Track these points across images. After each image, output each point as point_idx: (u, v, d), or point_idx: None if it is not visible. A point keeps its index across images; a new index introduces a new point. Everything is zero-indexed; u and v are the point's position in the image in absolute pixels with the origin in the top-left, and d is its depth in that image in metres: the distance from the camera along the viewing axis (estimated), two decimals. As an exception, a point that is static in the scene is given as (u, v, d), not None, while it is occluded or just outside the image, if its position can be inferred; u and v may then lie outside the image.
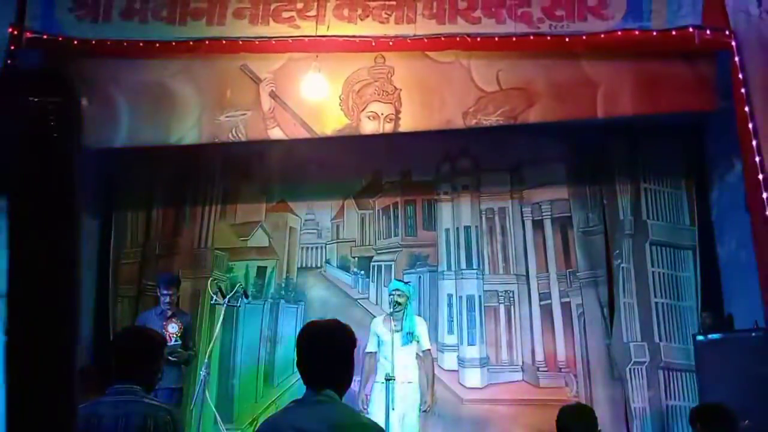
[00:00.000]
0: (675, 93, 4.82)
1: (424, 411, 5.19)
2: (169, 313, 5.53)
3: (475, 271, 6.30)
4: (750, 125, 4.23)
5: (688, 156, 6.04)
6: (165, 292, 5.58)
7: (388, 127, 5.18)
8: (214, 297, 5.61)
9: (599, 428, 3.42)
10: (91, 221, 6.46)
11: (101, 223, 6.57)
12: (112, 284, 6.43)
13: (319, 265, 6.59)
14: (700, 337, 5.06)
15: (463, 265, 6.35)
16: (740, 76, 4.33)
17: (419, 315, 5.58)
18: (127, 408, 2.64)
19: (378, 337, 5.29)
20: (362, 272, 6.50)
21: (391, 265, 6.48)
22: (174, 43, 5.06)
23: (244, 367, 6.37)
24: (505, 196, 6.40)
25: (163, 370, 2.88)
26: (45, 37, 5.11)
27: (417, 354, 5.29)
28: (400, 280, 5.65)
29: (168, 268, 6.38)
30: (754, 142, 4.19)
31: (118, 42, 5.09)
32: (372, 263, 6.52)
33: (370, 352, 5.33)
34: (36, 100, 1.02)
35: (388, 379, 4.93)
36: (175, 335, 5.39)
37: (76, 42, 5.09)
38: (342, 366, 2.38)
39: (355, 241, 6.59)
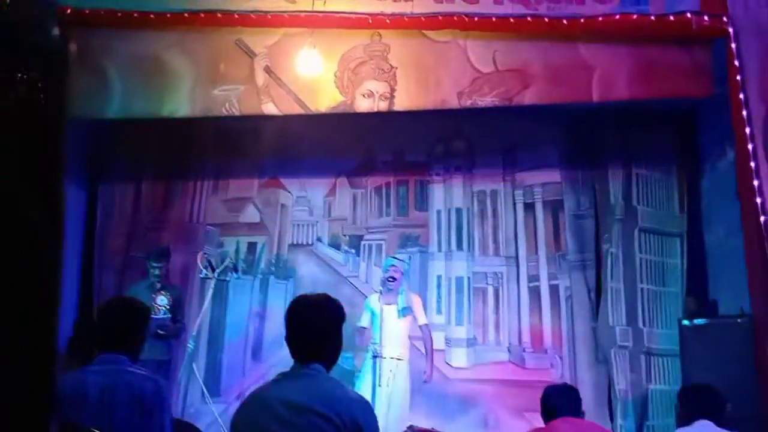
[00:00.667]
0: (670, 78, 4.82)
1: (424, 382, 5.27)
2: (159, 285, 5.50)
3: (465, 253, 6.33)
4: (744, 112, 4.23)
5: (680, 143, 6.07)
6: (155, 264, 5.56)
7: (383, 106, 5.15)
8: (204, 271, 5.61)
9: (582, 409, 3.46)
10: (78, 192, 6.43)
11: (88, 194, 6.53)
12: (97, 256, 6.41)
13: (310, 242, 6.59)
14: (685, 322, 5.11)
15: (454, 246, 6.37)
16: (736, 63, 4.33)
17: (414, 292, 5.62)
18: (113, 377, 2.65)
19: (372, 312, 5.32)
20: (353, 251, 6.51)
21: (381, 244, 6.49)
22: (169, 15, 4.99)
23: (233, 341, 6.38)
24: (498, 178, 6.41)
25: (147, 339, 2.89)
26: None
27: (418, 326, 5.35)
28: (394, 257, 5.69)
29: (157, 241, 6.36)
30: (747, 130, 4.20)
31: (112, 12, 5.01)
32: (363, 242, 6.53)
33: (363, 327, 5.37)
34: (24, 76, 1.01)
35: (375, 356, 4.98)
36: (164, 308, 5.37)
37: (69, 11, 5.02)
38: (330, 340, 2.39)
39: (346, 219, 6.59)
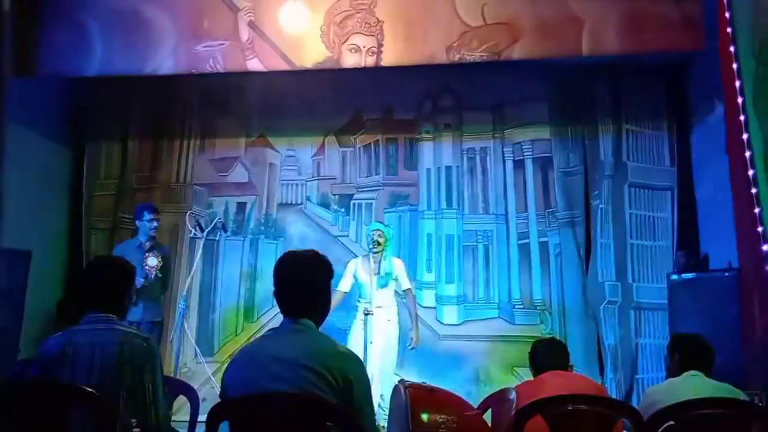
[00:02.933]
0: (661, 32, 4.75)
1: (411, 348, 5.26)
2: (148, 245, 5.41)
3: (454, 211, 6.32)
4: (734, 65, 4.18)
5: (670, 98, 6.03)
6: (150, 216, 5.37)
7: (370, 61, 5.07)
8: (193, 231, 5.57)
9: (571, 363, 3.50)
10: (63, 150, 6.35)
11: (74, 153, 6.46)
12: (85, 216, 6.37)
13: (299, 201, 6.56)
14: (674, 277, 5.15)
15: (444, 204, 6.36)
16: (727, 15, 4.27)
17: (398, 257, 5.60)
18: (103, 336, 2.64)
19: (355, 278, 5.30)
20: (342, 210, 6.49)
21: (371, 203, 6.47)
22: (149, -32, 4.87)
23: (224, 302, 6.40)
24: (487, 135, 6.37)
25: (133, 298, 2.88)
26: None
27: (397, 292, 5.34)
28: (380, 222, 5.66)
29: (146, 201, 6.30)
30: (737, 83, 4.16)
31: (91, -35, 4.90)
32: (352, 201, 6.50)
33: (341, 291, 5.26)
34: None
35: (367, 313, 5.00)
36: (155, 269, 5.28)
37: (46, -36, 4.90)
38: (319, 295, 2.39)
39: (335, 178, 6.55)
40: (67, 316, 4.74)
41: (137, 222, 5.50)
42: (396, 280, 5.32)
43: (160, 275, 5.34)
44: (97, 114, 6.49)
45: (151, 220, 5.38)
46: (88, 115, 6.47)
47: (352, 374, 2.19)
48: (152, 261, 5.28)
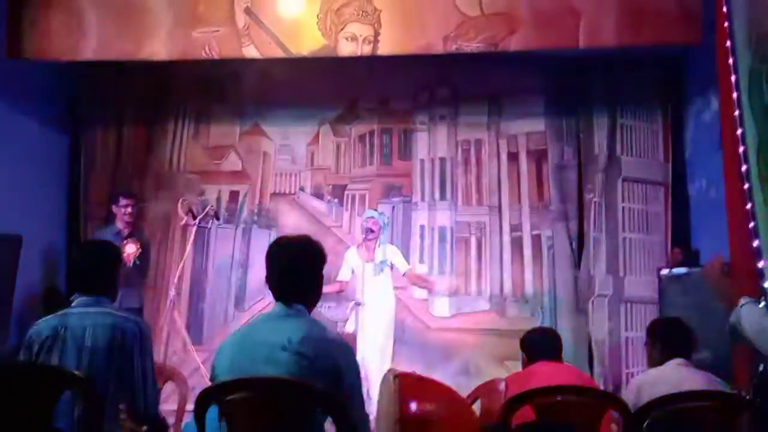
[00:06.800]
0: (659, 25, 4.75)
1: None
2: (126, 232, 5.38)
3: (448, 203, 6.32)
4: (731, 60, 4.17)
5: (666, 92, 6.03)
6: (124, 202, 5.38)
7: (367, 50, 5.04)
8: (185, 218, 5.55)
9: (561, 355, 3.50)
10: (60, 136, 6.30)
11: (70, 139, 6.41)
12: (83, 205, 6.33)
13: (292, 191, 6.53)
14: (664, 271, 5.17)
15: (437, 196, 6.35)
16: (724, 9, 4.25)
17: (392, 243, 5.63)
18: (95, 319, 2.65)
19: (352, 267, 5.35)
20: (336, 200, 6.47)
21: (365, 194, 6.45)
22: (145, -48, 4.83)
23: (215, 290, 6.37)
24: (482, 127, 6.35)
25: (119, 280, 2.87)
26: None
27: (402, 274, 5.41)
28: (374, 210, 5.70)
29: (139, 189, 6.27)
30: (733, 78, 4.15)
31: (86, -52, 4.85)
32: (346, 192, 6.48)
33: (342, 281, 5.39)
34: None
35: (357, 304, 5.01)
36: (133, 256, 5.26)
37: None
38: (311, 280, 2.38)
39: (329, 168, 6.53)
40: (56, 302, 4.73)
41: (113, 208, 5.48)
42: (391, 267, 5.35)
43: (138, 262, 5.32)
44: (93, 100, 6.42)
45: (125, 206, 5.37)
46: (84, 101, 6.41)
47: (341, 361, 2.19)
48: (130, 248, 5.26)
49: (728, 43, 4.19)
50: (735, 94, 4.14)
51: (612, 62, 5.94)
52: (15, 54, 5.08)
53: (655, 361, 3.13)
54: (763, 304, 3.06)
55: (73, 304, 2.74)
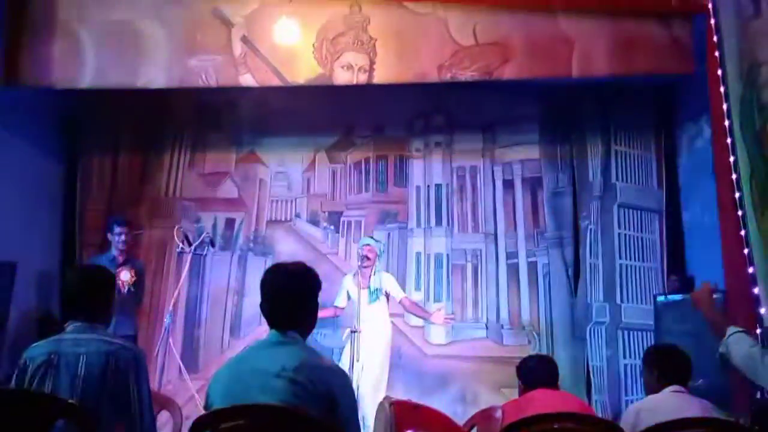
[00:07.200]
0: (651, 55, 4.83)
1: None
2: (121, 259, 5.37)
3: (444, 229, 6.33)
4: (722, 89, 4.24)
5: (659, 120, 6.10)
6: (118, 230, 5.37)
7: (362, 78, 5.09)
8: (180, 245, 5.54)
9: (558, 383, 3.48)
10: (57, 165, 6.32)
11: (67, 168, 6.42)
12: (78, 232, 6.32)
13: (288, 218, 6.54)
14: (660, 298, 5.17)
15: (433, 222, 6.37)
16: (715, 39, 4.33)
17: (387, 271, 5.63)
18: (88, 346, 2.61)
19: (348, 293, 5.36)
20: (332, 227, 6.48)
21: (361, 220, 6.46)
22: (144, -19, 4.89)
23: (210, 317, 6.34)
24: (477, 154, 6.40)
25: (113, 305, 2.85)
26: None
27: (398, 302, 5.39)
28: (371, 237, 5.70)
29: (135, 216, 6.27)
30: (725, 106, 4.20)
31: (86, -23, 4.91)
32: (342, 218, 6.49)
33: (338, 307, 5.40)
34: None
35: (353, 331, 4.99)
36: (128, 283, 5.25)
37: (42, -25, 4.91)
38: (306, 308, 2.38)
39: (325, 195, 6.55)
40: (51, 330, 4.69)
41: (108, 235, 5.48)
42: (387, 295, 5.34)
43: (132, 289, 5.31)
44: (90, 127, 6.46)
45: (120, 233, 5.37)
46: (81, 128, 6.44)
47: (336, 388, 2.18)
48: (125, 275, 5.26)
49: (719, 72, 4.26)
50: (727, 122, 4.20)
51: (605, 90, 6.01)
52: (12, 82, 5.11)
53: (651, 388, 3.11)
54: (758, 331, 3.07)
55: (66, 330, 2.71)
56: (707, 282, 3.30)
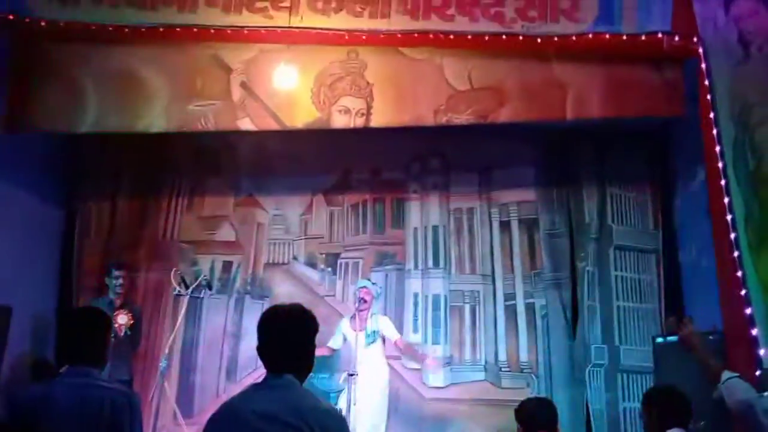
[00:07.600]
0: (643, 98, 4.90)
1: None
2: (118, 303, 5.38)
3: (441, 271, 6.32)
4: (714, 131, 4.30)
5: (653, 162, 6.15)
6: (116, 273, 5.43)
7: (360, 122, 5.16)
8: (177, 288, 5.54)
9: (558, 427, 3.43)
10: (55, 211, 6.33)
11: (66, 213, 6.44)
12: (75, 275, 6.31)
13: (286, 261, 6.54)
14: (659, 340, 5.14)
15: (430, 264, 6.37)
16: (706, 82, 4.41)
17: (384, 314, 5.63)
18: (82, 391, 2.60)
19: (345, 336, 5.34)
20: (329, 269, 6.47)
21: (358, 262, 6.46)
22: (144, 29, 4.99)
23: (206, 361, 6.29)
24: (474, 196, 6.44)
25: (109, 347, 2.83)
26: (11, 17, 5.00)
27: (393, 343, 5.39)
28: (367, 279, 5.71)
29: (132, 259, 6.28)
30: (717, 148, 4.26)
31: (87, 25, 5.01)
32: (339, 260, 6.49)
33: (332, 348, 5.38)
34: None
35: (351, 374, 4.95)
36: (125, 327, 5.25)
37: (43, 23, 5.00)
38: (303, 351, 2.36)
39: (323, 237, 6.56)
40: (45, 374, 4.65)
41: (106, 279, 5.51)
42: (383, 338, 5.33)
43: (129, 333, 5.30)
44: (90, 172, 6.51)
45: (117, 277, 5.41)
46: (80, 173, 6.50)
47: (333, 430, 2.15)
48: (122, 319, 5.28)
49: (711, 115, 4.32)
50: (720, 164, 4.25)
51: (600, 134, 6.08)
52: (14, 128, 5.18)
53: (652, 430, 3.08)
54: (757, 372, 3.05)
55: (62, 375, 2.69)
56: (688, 318, 3.30)
